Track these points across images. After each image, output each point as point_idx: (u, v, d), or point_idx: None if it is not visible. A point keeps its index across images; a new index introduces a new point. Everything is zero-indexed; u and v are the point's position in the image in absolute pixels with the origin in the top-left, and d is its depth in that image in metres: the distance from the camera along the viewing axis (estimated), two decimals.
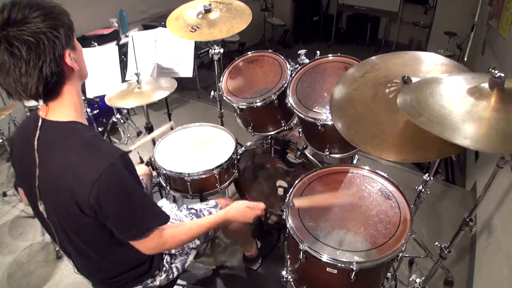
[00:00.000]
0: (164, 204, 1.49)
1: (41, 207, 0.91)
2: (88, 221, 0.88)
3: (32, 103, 2.23)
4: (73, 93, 0.89)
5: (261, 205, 1.33)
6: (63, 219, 0.92)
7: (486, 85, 0.88)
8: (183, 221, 1.33)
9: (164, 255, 1.22)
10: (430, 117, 0.85)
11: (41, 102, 0.86)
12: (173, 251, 1.25)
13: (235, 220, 1.28)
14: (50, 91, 0.84)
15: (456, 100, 0.88)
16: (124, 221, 0.91)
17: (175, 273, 1.26)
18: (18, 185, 1.06)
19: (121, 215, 0.90)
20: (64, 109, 0.88)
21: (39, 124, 0.87)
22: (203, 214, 1.39)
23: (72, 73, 0.87)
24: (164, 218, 1.00)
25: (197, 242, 1.35)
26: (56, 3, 0.83)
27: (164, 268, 1.21)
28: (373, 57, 1.26)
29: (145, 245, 0.99)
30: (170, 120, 2.48)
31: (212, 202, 1.48)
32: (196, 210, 1.41)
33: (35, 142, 0.86)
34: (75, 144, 0.85)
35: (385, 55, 1.25)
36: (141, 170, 1.62)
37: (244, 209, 1.29)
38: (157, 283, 1.20)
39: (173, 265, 1.25)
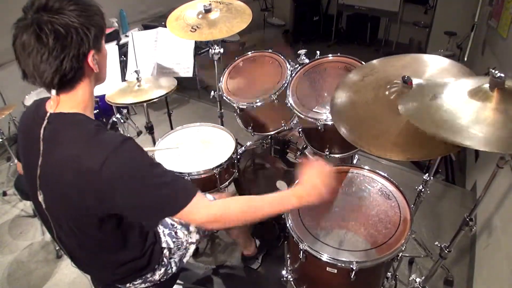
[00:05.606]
0: None
1: (40, 197, 0.91)
2: (90, 214, 0.87)
3: (31, 101, 2.23)
4: (86, 92, 0.89)
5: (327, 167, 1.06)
6: (63, 210, 0.92)
7: (487, 86, 0.88)
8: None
9: (163, 249, 1.22)
10: (436, 123, 0.85)
11: (53, 92, 0.86)
12: (171, 245, 1.25)
13: (309, 198, 0.99)
14: (64, 84, 0.84)
15: (460, 104, 0.88)
16: (155, 199, 0.86)
17: (174, 268, 1.26)
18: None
19: (147, 195, 0.85)
20: (73, 104, 0.88)
21: (48, 114, 0.87)
22: None
23: (91, 73, 0.88)
24: (193, 188, 0.90)
25: (196, 237, 1.34)
26: (95, 3, 0.84)
27: (163, 262, 1.21)
28: (372, 61, 1.27)
29: (200, 212, 0.89)
30: (170, 119, 2.48)
31: (209, 197, 1.47)
32: None
33: (41, 132, 0.86)
34: (78, 136, 0.85)
35: (384, 58, 1.26)
36: None
37: (317, 182, 1.01)
38: (156, 277, 1.20)
39: (171, 260, 1.25)
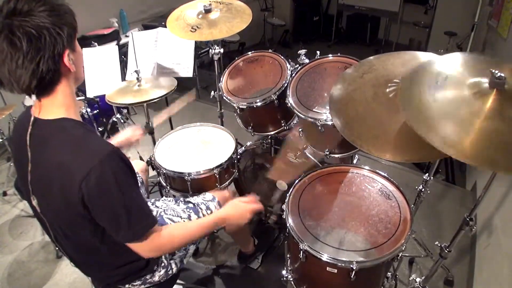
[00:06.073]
0: (162, 199, 1.49)
1: (34, 202, 0.92)
2: (80, 218, 0.88)
3: (31, 102, 2.24)
4: (66, 93, 0.88)
5: (254, 197, 1.31)
6: (56, 215, 0.93)
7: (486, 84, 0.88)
8: (180, 215, 1.33)
9: None
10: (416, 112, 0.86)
11: (34, 97, 0.86)
12: None
13: (233, 217, 1.24)
14: (43, 87, 0.84)
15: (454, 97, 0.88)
16: (115, 222, 0.89)
17: (174, 269, 1.26)
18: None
19: (110, 215, 0.88)
20: (56, 108, 0.88)
21: (31, 120, 0.87)
22: (200, 208, 1.38)
23: (68, 73, 0.87)
24: (152, 220, 0.98)
25: None
26: (64, 2, 0.83)
27: (163, 264, 1.21)
28: (370, 57, 1.26)
29: (142, 247, 0.98)
30: (170, 119, 2.47)
31: (208, 196, 1.47)
32: (194, 204, 1.40)
33: (27, 138, 0.87)
34: (64, 142, 0.85)
35: (383, 55, 1.25)
36: (138, 166, 1.64)
37: (240, 205, 1.27)
38: (156, 278, 1.20)
39: (171, 261, 1.25)
